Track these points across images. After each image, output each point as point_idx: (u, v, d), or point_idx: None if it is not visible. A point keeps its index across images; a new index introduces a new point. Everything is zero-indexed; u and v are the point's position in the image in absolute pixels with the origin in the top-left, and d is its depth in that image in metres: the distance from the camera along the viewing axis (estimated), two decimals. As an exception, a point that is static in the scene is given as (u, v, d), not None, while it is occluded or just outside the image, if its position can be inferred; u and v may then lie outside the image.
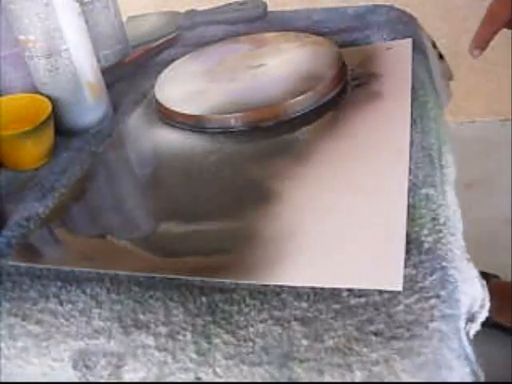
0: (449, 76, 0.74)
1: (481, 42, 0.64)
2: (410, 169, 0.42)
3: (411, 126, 0.47)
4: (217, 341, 0.32)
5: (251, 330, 0.32)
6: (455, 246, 0.36)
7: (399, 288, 0.33)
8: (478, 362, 0.30)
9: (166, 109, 0.55)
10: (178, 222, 0.42)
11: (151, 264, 0.38)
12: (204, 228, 0.41)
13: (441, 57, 0.72)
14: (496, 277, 0.98)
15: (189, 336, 0.33)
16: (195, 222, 0.42)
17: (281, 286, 0.35)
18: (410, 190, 0.40)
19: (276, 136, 0.50)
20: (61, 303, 0.37)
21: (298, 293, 0.34)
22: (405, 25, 0.68)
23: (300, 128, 0.50)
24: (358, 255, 0.35)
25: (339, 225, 0.38)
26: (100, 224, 0.43)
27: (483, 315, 0.33)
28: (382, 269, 0.34)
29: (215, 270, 0.37)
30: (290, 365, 0.30)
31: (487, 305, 0.33)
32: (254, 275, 0.36)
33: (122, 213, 0.44)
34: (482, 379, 0.30)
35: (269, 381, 0.30)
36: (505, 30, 0.75)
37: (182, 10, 0.83)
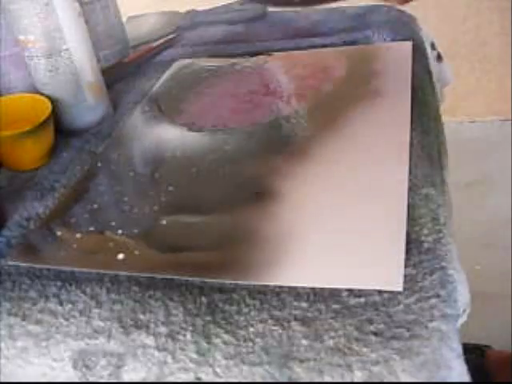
0: (446, 79, 0.74)
1: None
2: (409, 168, 0.42)
3: (411, 126, 0.47)
4: (217, 341, 0.32)
5: (251, 329, 0.32)
6: (454, 246, 0.36)
7: (399, 288, 0.33)
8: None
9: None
10: (177, 221, 0.42)
11: (151, 263, 0.38)
12: (203, 226, 0.41)
13: (439, 58, 0.72)
14: (487, 346, 0.93)
15: (189, 336, 0.33)
16: (194, 220, 0.42)
17: (280, 286, 0.35)
18: (409, 190, 0.40)
19: (275, 134, 0.50)
20: (61, 303, 0.37)
21: (297, 293, 0.34)
22: (405, 25, 0.68)
23: (300, 126, 0.50)
24: (358, 255, 0.35)
25: (339, 224, 0.38)
26: (100, 223, 0.43)
27: (463, 320, 0.33)
28: (382, 269, 0.34)
29: (215, 270, 0.37)
30: (289, 365, 0.30)
31: (467, 311, 0.34)
32: (253, 275, 0.36)
33: (121, 212, 0.44)
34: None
35: (269, 381, 0.30)
36: (505, 29, 0.75)
37: (182, 10, 0.83)
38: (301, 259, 0.36)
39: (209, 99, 0.59)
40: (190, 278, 0.36)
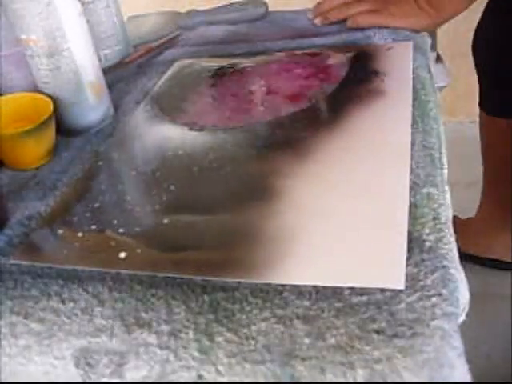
0: (446, 79, 0.74)
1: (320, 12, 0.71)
2: (411, 168, 0.42)
3: (412, 126, 0.47)
4: (219, 339, 0.32)
5: (253, 328, 0.32)
6: (455, 245, 0.37)
7: (401, 286, 0.33)
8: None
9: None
10: (178, 220, 0.42)
11: (153, 261, 0.38)
12: (205, 225, 0.41)
13: (439, 59, 0.72)
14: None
15: (191, 334, 0.33)
16: (196, 219, 0.42)
17: (283, 285, 0.35)
18: (411, 189, 0.40)
19: (277, 133, 0.50)
20: (63, 301, 0.37)
21: (300, 291, 0.34)
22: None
23: (301, 125, 0.50)
24: (360, 254, 0.35)
25: (341, 223, 0.38)
26: (102, 222, 0.43)
27: (462, 318, 0.33)
28: (384, 267, 0.34)
29: (217, 269, 0.37)
30: (292, 363, 0.30)
31: (466, 309, 0.34)
32: (255, 274, 0.36)
33: (123, 211, 0.44)
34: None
35: (271, 379, 0.30)
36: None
37: (183, 10, 0.83)
38: (303, 258, 0.36)
39: (209, 99, 0.59)
40: (192, 277, 0.36)
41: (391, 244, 0.36)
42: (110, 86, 0.60)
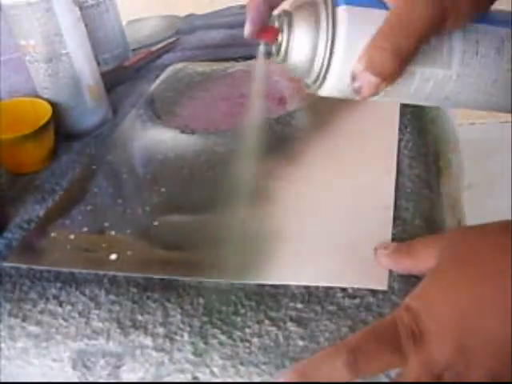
0: None
1: None
2: (403, 170, 0.42)
3: (405, 128, 0.47)
4: (213, 341, 0.33)
5: (247, 330, 0.33)
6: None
7: (384, 287, 0.33)
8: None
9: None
10: (169, 222, 0.42)
11: (144, 263, 0.39)
12: (196, 227, 0.41)
13: None
14: None
15: (186, 337, 0.33)
16: (187, 220, 0.42)
17: (276, 287, 0.35)
18: (404, 191, 0.40)
19: (268, 135, 0.50)
20: (60, 304, 0.37)
21: (293, 293, 0.34)
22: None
23: (291, 128, 0.51)
24: (348, 255, 0.36)
25: (330, 225, 0.39)
26: (94, 224, 0.43)
27: None
28: (369, 269, 0.35)
29: (208, 270, 0.37)
30: (286, 365, 0.31)
31: None
32: (246, 275, 0.36)
33: (115, 213, 0.44)
34: None
35: (266, 381, 0.30)
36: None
37: (182, 14, 0.83)
38: (292, 259, 0.37)
39: (202, 102, 0.59)
40: (182, 278, 0.37)
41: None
42: (109, 90, 0.61)
